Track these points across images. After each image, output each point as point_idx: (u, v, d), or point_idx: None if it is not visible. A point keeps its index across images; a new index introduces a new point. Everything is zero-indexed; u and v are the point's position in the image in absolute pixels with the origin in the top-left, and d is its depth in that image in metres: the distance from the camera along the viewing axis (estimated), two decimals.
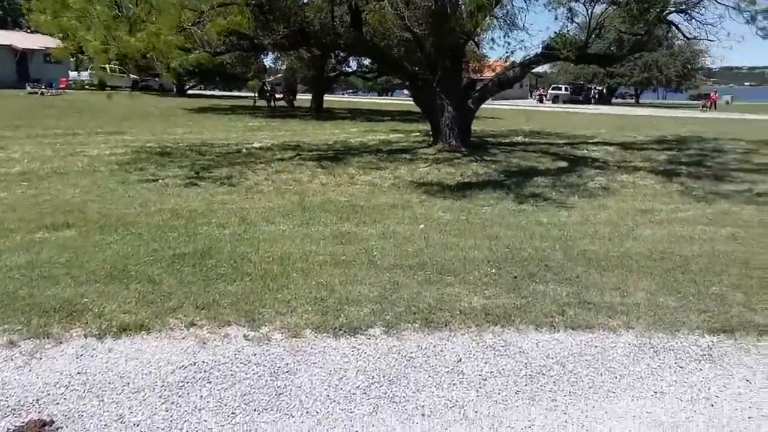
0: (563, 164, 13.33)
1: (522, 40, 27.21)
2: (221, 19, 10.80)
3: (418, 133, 19.75)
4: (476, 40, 20.74)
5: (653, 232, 7.28)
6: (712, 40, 16.90)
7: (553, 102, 54.03)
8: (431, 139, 16.28)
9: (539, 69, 67.93)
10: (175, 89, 43.09)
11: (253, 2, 11.04)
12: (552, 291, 5.05)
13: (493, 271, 5.54)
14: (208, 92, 49.65)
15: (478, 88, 16.70)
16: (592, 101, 55.53)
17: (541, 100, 56.80)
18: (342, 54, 28.11)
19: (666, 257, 6.13)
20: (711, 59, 55.18)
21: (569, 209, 8.58)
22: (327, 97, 35.89)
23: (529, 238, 6.82)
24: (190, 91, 45.82)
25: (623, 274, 5.56)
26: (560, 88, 57.78)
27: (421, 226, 7.29)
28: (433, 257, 5.92)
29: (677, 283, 5.33)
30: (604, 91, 60.19)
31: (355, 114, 31.03)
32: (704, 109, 43.71)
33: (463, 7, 12.06)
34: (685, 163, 13.74)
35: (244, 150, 14.70)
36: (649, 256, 6.16)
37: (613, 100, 61.42)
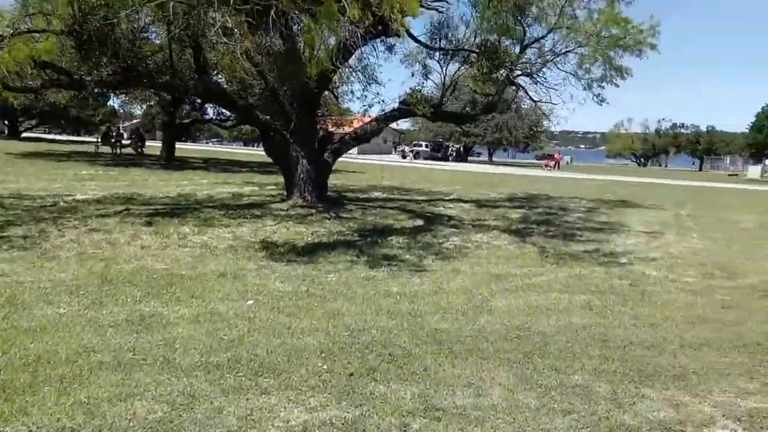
0: (419, 222, 12.84)
1: (378, 93, 26.94)
2: (23, 46, 8.99)
3: (274, 186, 18.56)
4: (334, 91, 20.26)
5: (508, 302, 6.67)
6: (555, 104, 17.84)
7: (415, 158, 55.70)
8: (285, 193, 15.18)
9: (402, 126, 70.47)
10: (6, 130, 38.16)
11: (67, 29, 9.35)
12: (394, 394, 4.04)
13: (326, 366, 4.45)
14: (50, 136, 44.73)
15: (335, 141, 16.01)
16: (450, 158, 58.13)
17: (404, 156, 58.37)
18: (198, 99, 26.42)
19: (523, 336, 5.45)
20: (553, 122, 60.67)
21: (422, 275, 7.83)
22: (184, 146, 33.67)
23: (375, 315, 5.86)
24: (26, 134, 40.89)
25: (477, 362, 4.73)
26: (421, 145, 59.92)
27: (250, 302, 6.06)
28: (252, 348, 4.71)
29: (537, 372, 4.59)
30: (461, 149, 63.44)
31: (210, 164, 29.16)
32: (547, 168, 47.38)
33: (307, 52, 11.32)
34: (536, 222, 13.89)
35: (61, 203, 12.53)
36: (505, 335, 5.44)
37: (469, 158, 64.92)
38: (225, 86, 19.31)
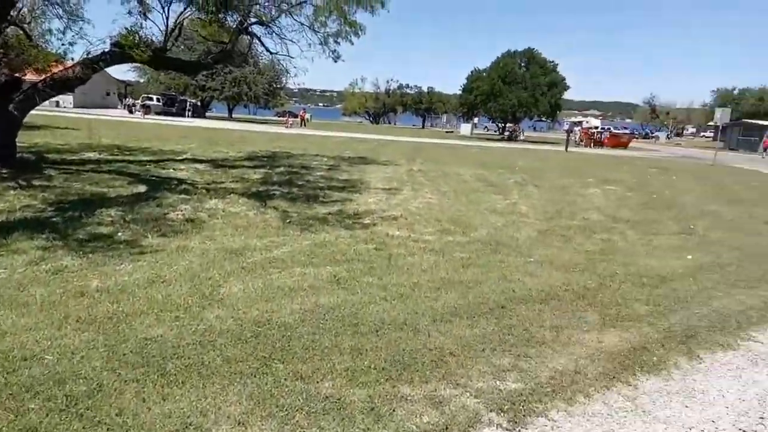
0: (142, 189, 10.83)
1: (81, 29, 22.06)
2: None
3: None
4: (25, 28, 16.17)
5: (245, 286, 5.55)
6: (292, 57, 16.94)
7: (146, 113, 50.09)
8: None
9: (129, 76, 62.76)
10: None
11: None
12: None
13: None
14: None
15: (24, 89, 12.65)
16: (187, 114, 53.82)
17: (131, 111, 52.06)
18: None
19: (261, 334, 4.40)
20: (292, 77, 60.30)
21: (137, 259, 6.22)
22: None
23: (55, 328, 4.21)
24: None
25: (200, 385, 3.54)
26: (152, 99, 54.16)
27: None
28: None
29: (278, 386, 3.60)
30: (198, 104, 59.25)
31: None
32: (288, 125, 46.86)
33: None
34: (277, 183, 12.95)
35: None
36: (239, 336, 4.33)
37: (207, 114, 61.15)
38: None
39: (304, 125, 49.45)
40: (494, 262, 7.15)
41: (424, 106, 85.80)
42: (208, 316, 4.69)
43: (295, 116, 75.02)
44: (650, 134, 74.08)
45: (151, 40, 14.32)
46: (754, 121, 52.56)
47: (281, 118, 51.37)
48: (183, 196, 10.32)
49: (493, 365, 4.08)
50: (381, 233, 8.45)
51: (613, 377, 4.03)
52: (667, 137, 71.65)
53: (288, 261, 6.58)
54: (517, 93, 48.50)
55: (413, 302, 5.34)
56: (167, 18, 14.12)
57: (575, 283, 6.36)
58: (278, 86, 62.04)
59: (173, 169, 13.99)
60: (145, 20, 13.81)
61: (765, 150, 42.37)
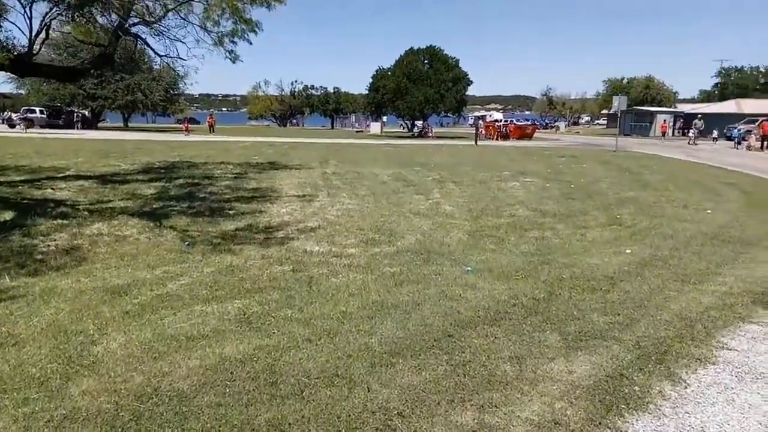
0: (8, 215, 9.12)
1: None
2: None
3: None
4: None
5: (127, 339, 4.35)
6: (184, 60, 15.44)
7: (27, 127, 45.55)
8: None
9: (8, 90, 57.03)
10: None
11: None
12: None
13: None
14: None
15: None
16: (77, 126, 49.57)
17: (12, 126, 47.20)
18: None
19: (144, 416, 3.27)
20: (188, 83, 57.14)
21: None
22: None
23: None
24: None
25: None
26: (34, 111, 49.42)
27: None
28: None
29: None
30: (88, 114, 54.79)
31: None
32: (187, 132, 44.07)
33: None
34: (176, 198, 11.53)
35: None
36: (112, 424, 3.18)
37: (99, 125, 56.77)
38: None
39: (213, 131, 46.78)
40: (429, 275, 6.32)
41: (332, 107, 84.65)
42: (73, 393, 3.50)
43: (197, 122, 71.58)
44: (551, 124, 77.16)
45: (13, 44, 12.41)
46: (645, 108, 55.85)
47: (182, 125, 48.25)
48: (60, 221, 8.76)
49: (453, 425, 3.20)
50: (298, 250, 7.41)
51: (600, 423, 3.28)
52: (566, 126, 74.87)
53: (186, 297, 5.41)
54: (423, 90, 48.56)
55: (344, 340, 4.37)
56: (30, 19, 12.24)
57: (522, 294, 5.64)
58: (176, 92, 58.71)
59: (51, 188, 12.17)
60: (3, 21, 11.88)
61: (663, 135, 44.85)
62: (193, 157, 21.32)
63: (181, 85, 55.79)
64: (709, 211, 10.93)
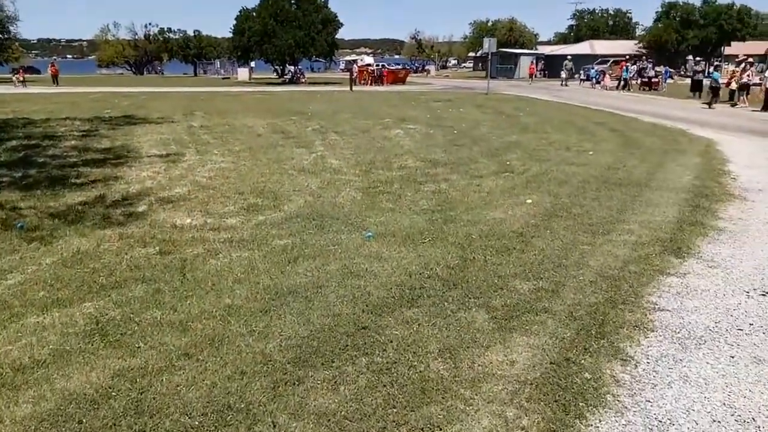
0: None
1: None
2: None
3: None
4: None
5: None
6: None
7: None
8: None
9: None
10: None
11: None
12: None
13: None
14: None
15: None
16: None
17: None
18: None
19: None
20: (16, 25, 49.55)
21: None
22: None
23: None
24: None
25: None
26: None
27: None
28: None
29: None
30: None
31: None
32: (20, 83, 38.33)
33: None
34: (6, 164, 9.55)
35: None
36: None
37: None
38: None
39: (56, 82, 40.97)
40: (326, 246, 5.49)
41: (193, 52, 78.30)
42: None
43: (37, 71, 63.19)
44: (422, 68, 77.63)
45: None
46: (509, 50, 57.63)
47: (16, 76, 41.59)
48: None
49: None
50: (165, 224, 6.22)
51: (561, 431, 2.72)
52: (437, 70, 75.78)
53: (15, 303, 4.14)
54: (292, 33, 46.07)
55: (233, 350, 3.45)
56: None
57: (434, 262, 5.01)
58: (6, 36, 50.89)
59: None
60: None
61: (531, 77, 46.43)
62: (31, 113, 18.36)
63: (12, 28, 48.41)
64: (591, 153, 11.05)
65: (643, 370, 3.30)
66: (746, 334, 3.77)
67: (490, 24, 73.05)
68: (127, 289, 4.42)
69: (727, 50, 47.93)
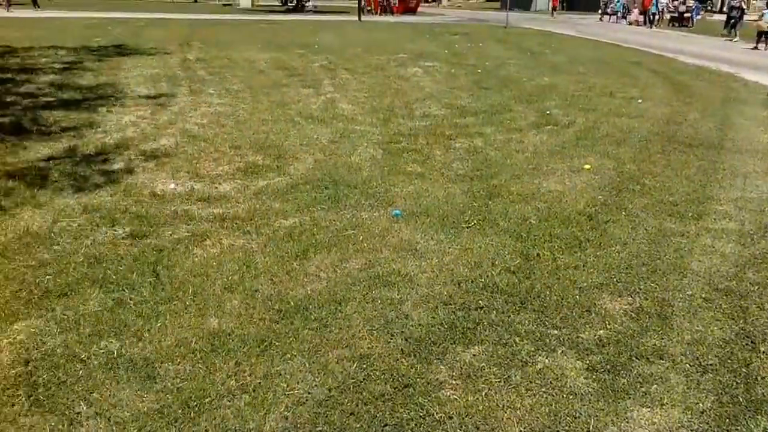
0: None
1: None
2: None
3: None
4: None
5: None
6: None
7: None
8: None
9: None
10: None
11: None
12: None
13: None
14: None
15: None
16: None
17: None
18: None
19: None
20: None
21: None
22: None
23: None
24: None
25: None
26: None
27: None
28: None
29: None
30: None
31: None
32: (6, 6, 35.79)
33: None
34: None
35: None
36: None
37: None
38: None
39: (37, 5, 38.10)
40: (343, 229, 4.29)
41: None
42: None
43: None
44: None
45: None
46: None
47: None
48: None
49: None
50: (143, 192, 5.00)
51: None
52: (448, 0, 71.87)
53: None
54: None
55: (216, 427, 2.32)
56: None
57: (487, 261, 3.82)
58: None
59: None
60: None
61: (554, 10, 43.38)
62: (13, 40, 16.68)
63: None
64: (640, 101, 9.62)
65: None
66: None
67: None
68: (80, 298, 3.26)
69: None
